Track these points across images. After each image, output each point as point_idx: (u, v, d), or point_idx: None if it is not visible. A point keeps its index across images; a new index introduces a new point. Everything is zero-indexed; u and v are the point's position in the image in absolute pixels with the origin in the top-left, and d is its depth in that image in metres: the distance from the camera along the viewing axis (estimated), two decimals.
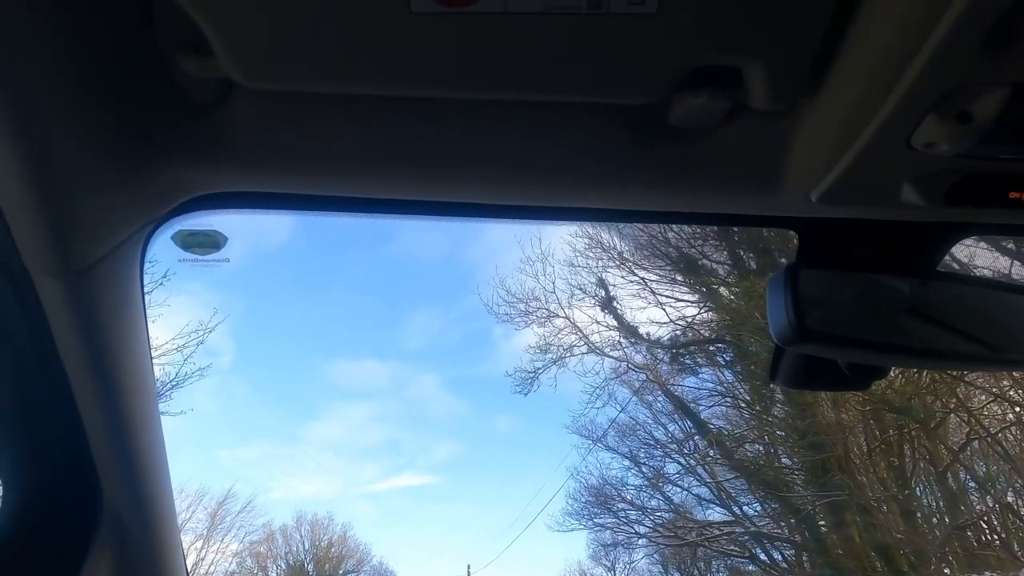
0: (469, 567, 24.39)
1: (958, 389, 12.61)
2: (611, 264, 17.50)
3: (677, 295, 17.10)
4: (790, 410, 15.16)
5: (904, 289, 1.14)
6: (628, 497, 18.17)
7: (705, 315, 16.99)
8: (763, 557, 16.49)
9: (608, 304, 17.62)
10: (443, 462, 33.12)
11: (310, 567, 25.35)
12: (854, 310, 1.15)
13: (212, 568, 22.35)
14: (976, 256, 11.24)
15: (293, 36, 0.78)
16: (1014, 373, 10.66)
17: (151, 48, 0.84)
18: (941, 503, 13.87)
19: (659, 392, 17.36)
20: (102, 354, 1.07)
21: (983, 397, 12.68)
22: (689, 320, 17.09)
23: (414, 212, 1.13)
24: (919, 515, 13.93)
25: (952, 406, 13.05)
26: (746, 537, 16.46)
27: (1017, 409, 12.50)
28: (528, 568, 30.90)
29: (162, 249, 1.20)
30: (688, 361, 17.25)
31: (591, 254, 17.63)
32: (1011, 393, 12.18)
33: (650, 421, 17.60)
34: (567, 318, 18.06)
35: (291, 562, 25.26)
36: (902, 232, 1.10)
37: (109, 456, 1.17)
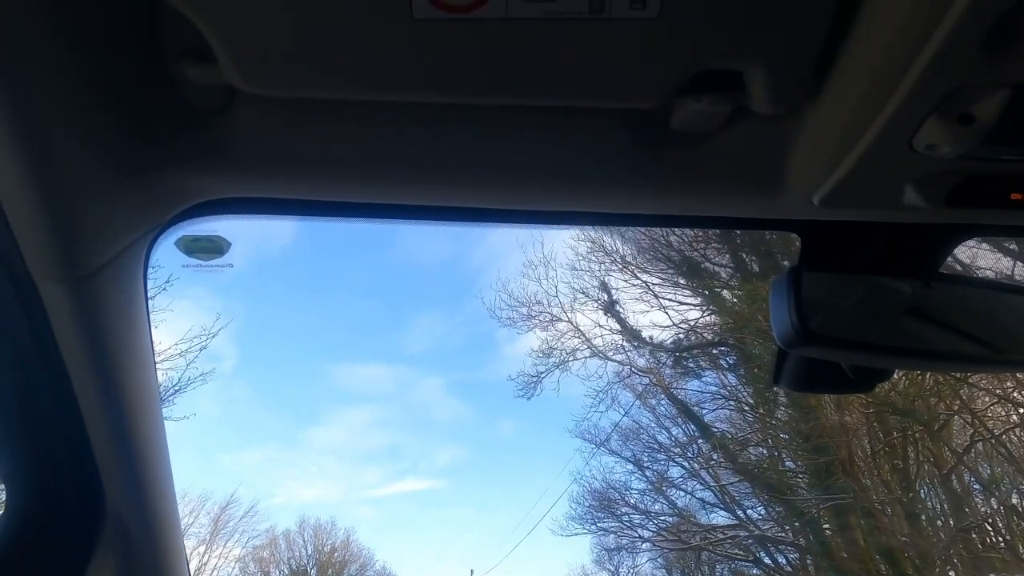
0: (472, 572, 24.29)
1: (962, 391, 12.58)
2: (614, 268, 17.50)
3: (680, 298, 17.09)
4: (794, 413, 15.11)
5: (907, 291, 1.15)
6: (632, 501, 18.15)
7: (708, 318, 16.98)
8: (767, 561, 16.45)
9: (611, 308, 17.61)
10: (446, 466, 33.11)
11: (313, 572, 25.29)
12: (857, 312, 1.15)
13: (215, 573, 22.29)
14: (978, 257, 11.23)
15: (296, 43, 0.78)
16: (1018, 374, 10.64)
17: (155, 55, 0.85)
18: (945, 506, 13.83)
19: (662, 396, 17.34)
20: (106, 359, 1.07)
21: (987, 399, 12.65)
22: (692, 323, 17.07)
23: (416, 217, 1.13)
24: (923, 518, 13.89)
25: (956, 408, 13.01)
26: (750, 541, 16.41)
27: (1021, 410, 12.47)
28: (531, 573, 30.82)
29: (165, 254, 1.21)
30: (691, 364, 17.23)
31: (594, 258, 17.63)
32: (1015, 394, 12.15)
33: (653, 425, 17.56)
34: (570, 322, 18.05)
35: (294, 567, 25.21)
36: (904, 234, 1.10)
37: (112, 461, 1.17)
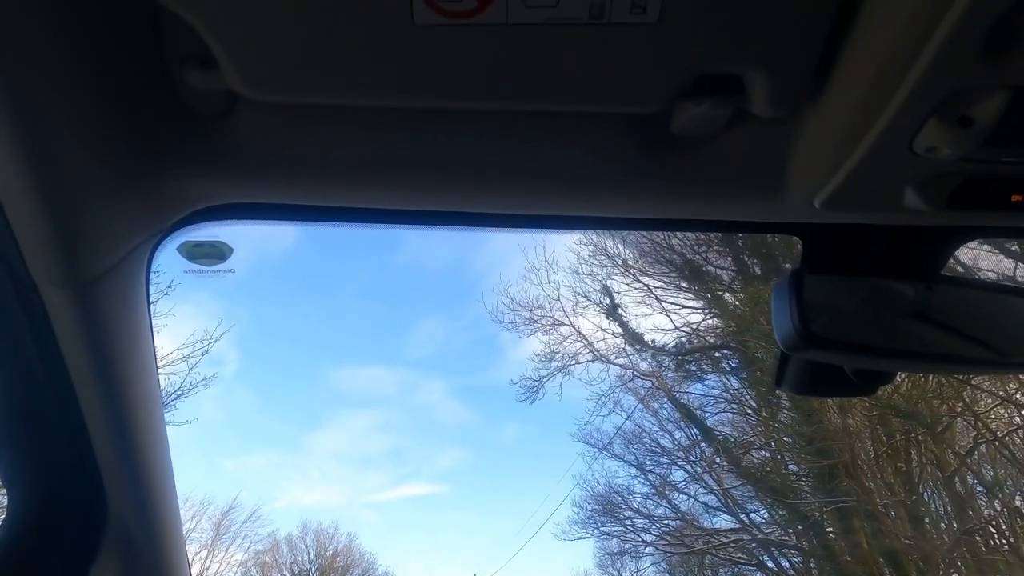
0: None
1: (964, 392, 12.55)
2: (615, 271, 17.50)
3: (682, 301, 17.07)
4: (796, 416, 15.09)
5: (909, 293, 1.14)
6: (635, 505, 18.13)
7: (710, 321, 16.95)
8: (771, 564, 16.41)
9: (613, 311, 17.60)
10: (448, 471, 33.06)
11: None
12: (859, 315, 1.15)
13: None
14: (980, 259, 11.22)
15: (297, 49, 0.78)
16: (1020, 376, 10.62)
17: (157, 61, 0.85)
18: (949, 508, 13.79)
19: (665, 399, 17.33)
20: (108, 364, 1.07)
21: (990, 400, 12.62)
22: (694, 327, 17.05)
23: (418, 222, 1.13)
24: (927, 520, 13.85)
25: (959, 410, 12.98)
26: (753, 544, 16.37)
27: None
28: None
29: (167, 259, 1.21)
30: (694, 368, 17.20)
31: (595, 261, 17.62)
32: (1018, 396, 12.12)
33: (656, 428, 17.55)
34: (572, 326, 18.04)
35: (296, 572, 25.19)
36: (906, 236, 1.10)
37: (114, 466, 1.17)
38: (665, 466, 17.74)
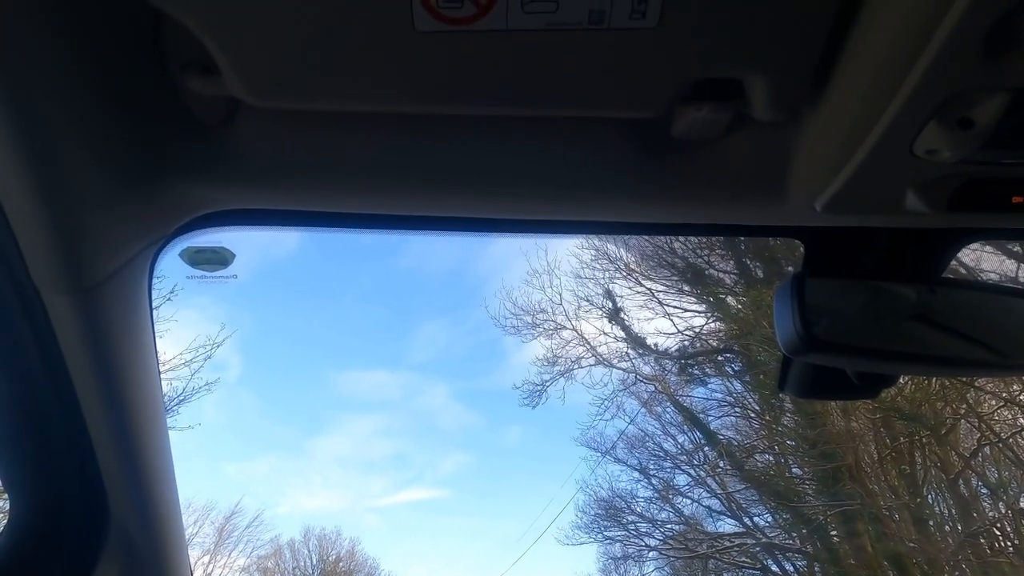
0: None
1: (968, 394, 12.53)
2: (618, 275, 17.47)
3: (684, 305, 17.04)
4: (800, 419, 15.06)
5: (911, 296, 1.14)
6: (638, 509, 18.08)
7: (713, 325, 16.93)
8: (775, 568, 16.36)
9: (615, 315, 17.57)
10: (451, 475, 32.91)
11: None
12: (861, 318, 1.15)
13: None
14: (983, 260, 11.20)
15: (298, 56, 0.79)
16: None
17: (159, 67, 0.85)
18: (953, 510, 13.75)
19: (668, 403, 17.30)
20: (110, 370, 1.07)
21: (993, 402, 12.59)
22: (697, 330, 17.02)
23: (420, 227, 1.14)
24: (931, 523, 13.81)
25: (962, 412, 12.95)
26: (757, 548, 16.33)
27: None
28: None
29: (170, 264, 1.21)
30: (697, 372, 17.17)
31: (597, 265, 17.59)
32: (1021, 398, 12.08)
33: (659, 432, 17.50)
34: (574, 330, 18.02)
35: None
36: (907, 239, 1.10)
37: (117, 471, 1.17)
38: (668, 470, 17.72)
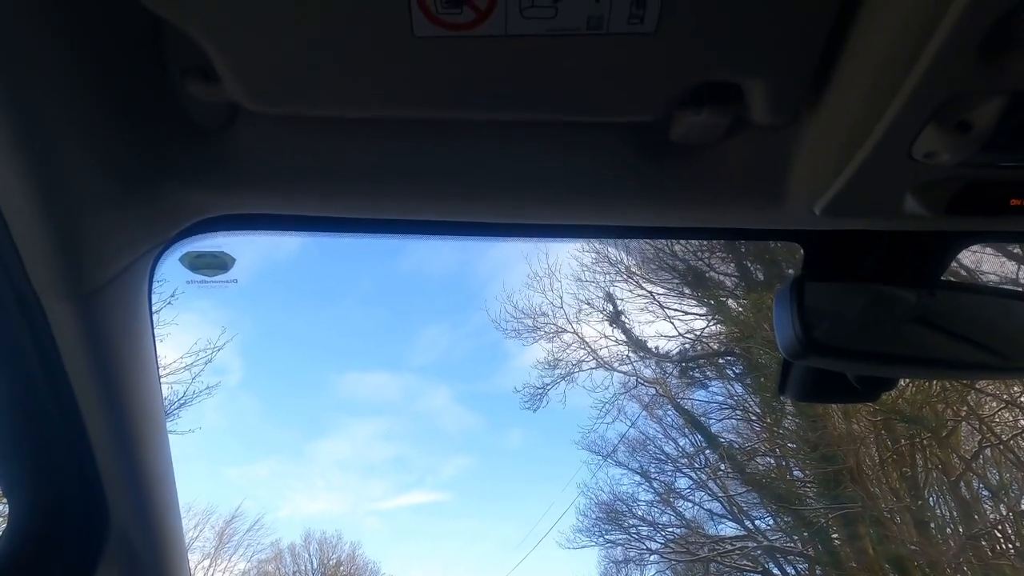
0: None
1: (969, 396, 12.51)
2: (618, 278, 17.46)
3: (685, 308, 17.02)
4: (801, 422, 15.03)
5: (910, 299, 1.14)
6: (639, 513, 18.05)
7: (714, 328, 16.92)
8: (776, 572, 16.32)
9: (616, 318, 17.56)
10: (452, 479, 32.92)
11: None
12: (861, 322, 1.15)
13: None
14: (983, 262, 11.20)
15: (298, 61, 0.79)
16: None
17: (160, 73, 0.86)
18: (955, 513, 13.72)
19: (669, 406, 17.27)
20: (110, 375, 1.07)
21: (994, 404, 12.57)
22: (698, 333, 17.01)
23: (420, 232, 1.14)
24: (933, 525, 13.78)
25: (963, 414, 12.93)
26: (759, 552, 16.31)
27: None
28: None
29: (171, 268, 1.21)
30: (698, 374, 17.15)
31: (598, 268, 17.57)
32: (1022, 399, 12.08)
33: (660, 436, 17.46)
34: (575, 333, 18.00)
35: None
36: (906, 242, 1.10)
37: (117, 475, 1.17)
38: (669, 473, 17.68)
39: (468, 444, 32.12)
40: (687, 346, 17.04)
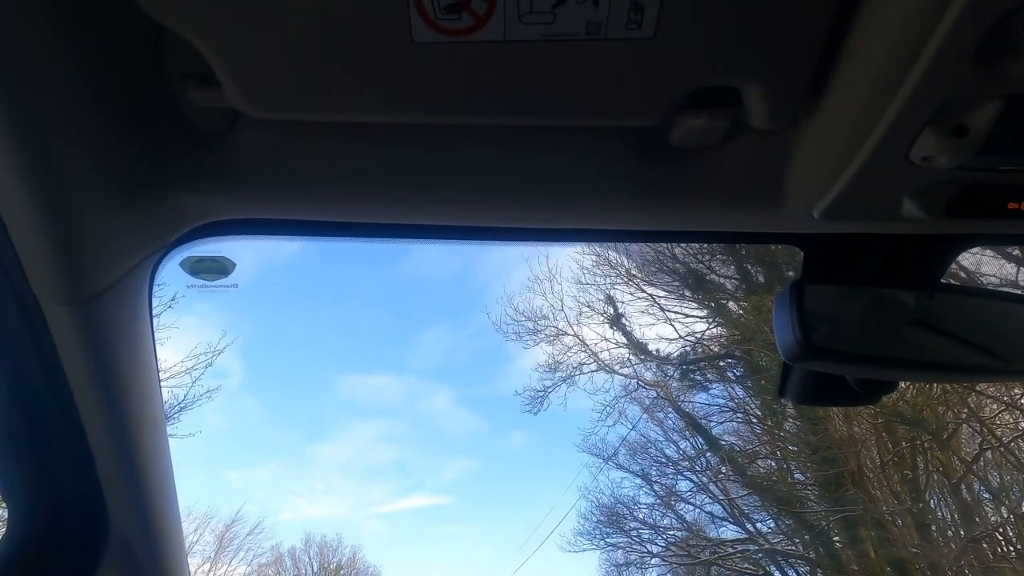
0: None
1: (969, 399, 12.50)
2: (619, 281, 17.45)
3: (686, 311, 17.00)
4: (802, 425, 15.02)
5: (910, 302, 1.14)
6: (640, 516, 18.03)
7: (714, 330, 16.90)
8: (777, 574, 16.32)
9: (617, 321, 17.55)
10: (453, 482, 32.80)
11: None
12: (861, 325, 1.15)
13: None
14: (983, 264, 11.20)
15: (297, 67, 0.79)
16: None
17: (160, 79, 0.86)
18: (956, 515, 13.70)
19: (670, 409, 17.25)
20: (110, 380, 1.07)
21: (995, 406, 12.56)
22: (698, 336, 16.99)
23: (420, 236, 1.14)
24: (934, 528, 13.76)
25: (964, 416, 12.92)
26: (760, 555, 16.29)
27: None
28: None
29: (171, 272, 1.21)
30: (698, 377, 17.12)
31: (599, 271, 17.55)
32: (1023, 401, 12.08)
33: (661, 438, 17.44)
34: (576, 336, 17.98)
35: None
36: (905, 245, 1.11)
37: (116, 480, 1.17)
38: (671, 476, 17.66)
39: (469, 447, 32.03)
40: (688, 349, 17.04)
